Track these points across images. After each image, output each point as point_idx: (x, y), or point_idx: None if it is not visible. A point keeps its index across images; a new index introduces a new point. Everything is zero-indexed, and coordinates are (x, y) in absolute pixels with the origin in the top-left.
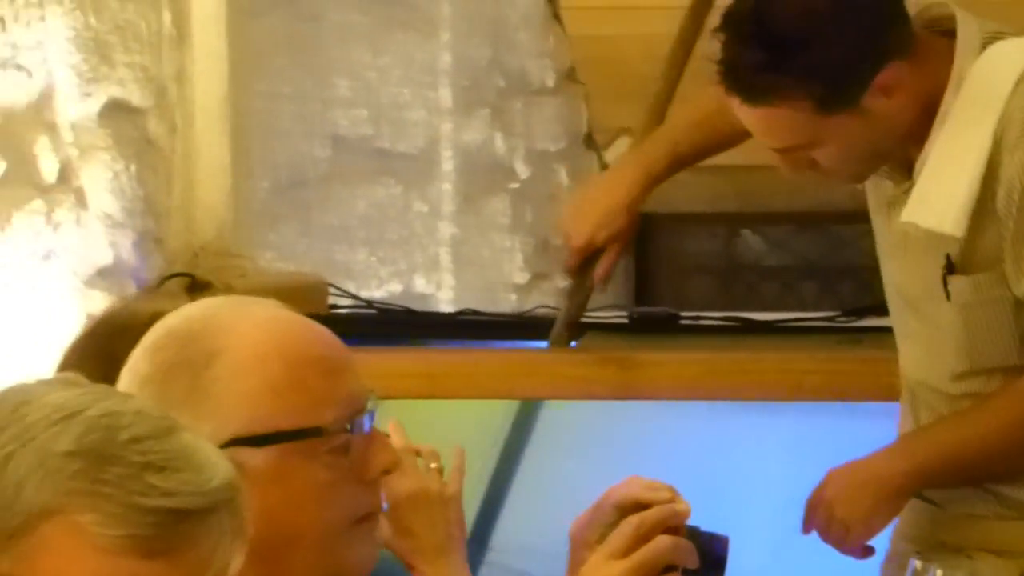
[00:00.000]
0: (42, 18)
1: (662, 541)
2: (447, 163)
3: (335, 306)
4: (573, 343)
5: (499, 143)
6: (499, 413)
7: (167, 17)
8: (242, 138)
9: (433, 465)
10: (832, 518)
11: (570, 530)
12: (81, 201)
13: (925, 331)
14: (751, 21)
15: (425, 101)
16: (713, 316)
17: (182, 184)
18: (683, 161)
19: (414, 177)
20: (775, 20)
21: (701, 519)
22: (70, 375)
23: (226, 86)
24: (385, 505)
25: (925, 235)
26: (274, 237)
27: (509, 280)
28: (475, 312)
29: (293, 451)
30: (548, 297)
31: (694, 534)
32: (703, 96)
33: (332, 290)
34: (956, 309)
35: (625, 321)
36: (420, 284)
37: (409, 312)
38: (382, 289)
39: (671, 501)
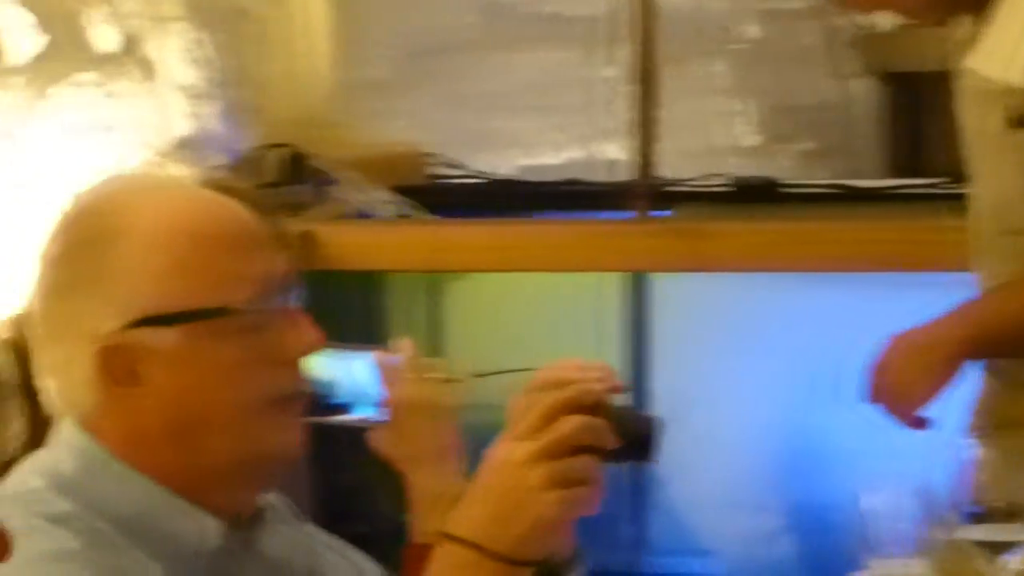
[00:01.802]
0: None
1: (569, 421)
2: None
3: (441, 176)
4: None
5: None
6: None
7: None
8: (352, 4)
9: (437, 376)
10: (886, 385)
11: (508, 413)
12: (148, 71)
13: (992, 180)
14: None
15: None
16: (816, 184)
17: (283, 53)
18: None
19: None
20: None
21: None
22: None
23: None
24: (386, 413)
25: (993, 82)
26: (405, 106)
27: (732, 144)
28: (576, 182)
29: (202, 331)
30: (787, 160)
31: (619, 414)
32: None
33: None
34: (1018, 159)
35: (725, 189)
36: (610, 151)
37: (514, 183)
38: (559, 156)
39: (599, 380)
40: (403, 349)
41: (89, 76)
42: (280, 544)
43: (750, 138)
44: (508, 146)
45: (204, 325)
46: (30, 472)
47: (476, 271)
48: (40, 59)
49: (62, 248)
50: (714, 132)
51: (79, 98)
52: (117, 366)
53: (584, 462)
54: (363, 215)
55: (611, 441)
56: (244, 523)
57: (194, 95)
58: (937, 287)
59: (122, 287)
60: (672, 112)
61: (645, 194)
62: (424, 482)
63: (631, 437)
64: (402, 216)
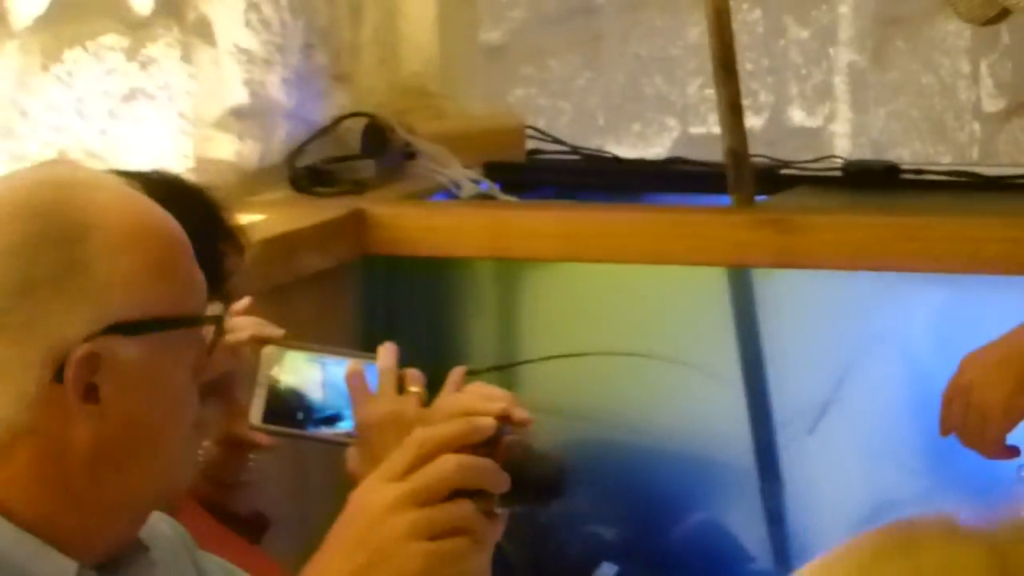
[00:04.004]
0: None
1: (447, 461)
2: None
3: (537, 151)
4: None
5: None
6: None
7: None
8: None
9: (414, 389)
10: (969, 406)
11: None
12: (201, 34)
13: None
14: None
15: None
16: (938, 170)
17: (379, 15)
18: None
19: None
20: None
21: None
22: None
23: None
24: (354, 429)
25: None
26: (536, 72)
27: (967, 110)
28: (685, 161)
29: (163, 343)
30: None
31: (516, 453)
32: None
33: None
34: None
35: (839, 174)
36: (799, 117)
37: (614, 161)
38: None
39: (504, 413)
40: (382, 358)
41: (114, 39)
42: None
43: (992, 103)
44: (664, 114)
45: (170, 336)
46: None
47: (539, 260)
48: (50, 20)
49: (18, 240)
50: (951, 97)
51: (102, 65)
52: (79, 378)
53: (459, 509)
54: (443, 195)
55: (500, 484)
56: (120, 560)
57: (252, 61)
58: None
59: (93, 288)
60: (904, 76)
61: (742, 180)
62: None
63: (529, 479)
64: (484, 197)
